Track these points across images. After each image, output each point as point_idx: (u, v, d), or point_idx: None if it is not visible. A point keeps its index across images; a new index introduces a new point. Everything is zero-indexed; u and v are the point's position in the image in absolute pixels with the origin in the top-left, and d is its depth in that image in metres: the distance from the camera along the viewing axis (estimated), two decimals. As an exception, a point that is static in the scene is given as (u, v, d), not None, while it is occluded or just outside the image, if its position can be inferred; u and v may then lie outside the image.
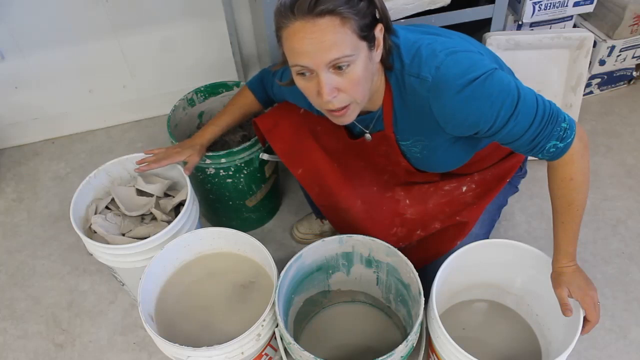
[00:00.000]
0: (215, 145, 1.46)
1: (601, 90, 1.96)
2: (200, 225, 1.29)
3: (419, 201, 1.19)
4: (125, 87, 1.94)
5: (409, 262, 1.04)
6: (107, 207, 1.31)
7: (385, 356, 0.90)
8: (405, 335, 1.08)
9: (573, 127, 0.90)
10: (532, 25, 1.66)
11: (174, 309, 1.15)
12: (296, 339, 1.14)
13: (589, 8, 1.63)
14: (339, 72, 0.84)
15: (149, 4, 1.72)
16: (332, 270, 1.20)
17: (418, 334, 0.99)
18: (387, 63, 0.93)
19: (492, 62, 0.91)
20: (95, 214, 1.27)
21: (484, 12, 1.48)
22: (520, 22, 1.63)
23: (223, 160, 1.32)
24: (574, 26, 1.74)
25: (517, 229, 1.55)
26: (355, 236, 1.09)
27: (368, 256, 1.14)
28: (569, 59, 1.59)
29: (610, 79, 1.93)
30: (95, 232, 1.25)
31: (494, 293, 1.24)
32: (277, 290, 1.02)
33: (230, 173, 1.36)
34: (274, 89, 1.22)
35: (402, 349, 0.93)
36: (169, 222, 1.23)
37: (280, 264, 1.05)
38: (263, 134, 1.20)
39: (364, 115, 1.04)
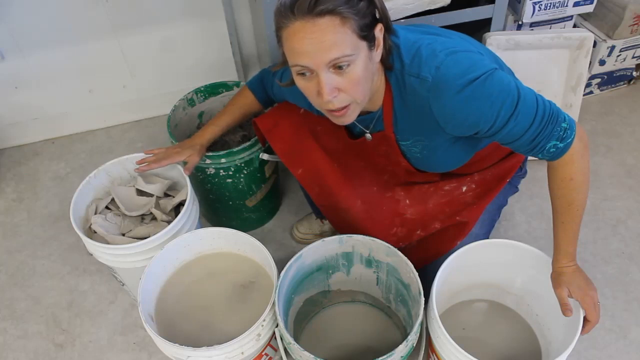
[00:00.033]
0: (215, 145, 1.46)
1: (601, 90, 1.96)
2: (200, 225, 1.29)
3: (419, 201, 1.19)
4: (125, 87, 1.94)
5: (409, 262, 1.04)
6: (107, 207, 1.31)
7: (385, 356, 0.90)
8: (405, 335, 1.08)
9: (573, 127, 0.90)
10: (532, 25, 1.66)
11: (174, 309, 1.15)
12: (296, 339, 1.14)
13: (589, 8, 1.63)
14: (339, 72, 0.84)
15: (149, 4, 1.72)
16: (332, 270, 1.20)
17: (418, 334, 0.99)
18: (387, 63, 0.93)
19: (492, 62, 0.91)
20: (95, 214, 1.27)
21: (484, 12, 1.48)
22: (520, 22, 1.63)
23: (223, 160, 1.32)
24: (574, 26, 1.74)
25: (517, 229, 1.55)
26: (355, 236, 1.09)
27: (368, 256, 1.14)
28: (569, 59, 1.59)
29: (610, 79, 1.93)
30: (95, 232, 1.25)
31: (494, 293, 1.24)
32: (277, 290, 1.02)
33: (230, 173, 1.36)
34: (274, 89, 1.22)
35: (402, 349, 0.93)
36: (169, 222, 1.23)
37: (280, 264, 1.05)
38: (263, 134, 1.20)
39: (364, 116, 1.04)
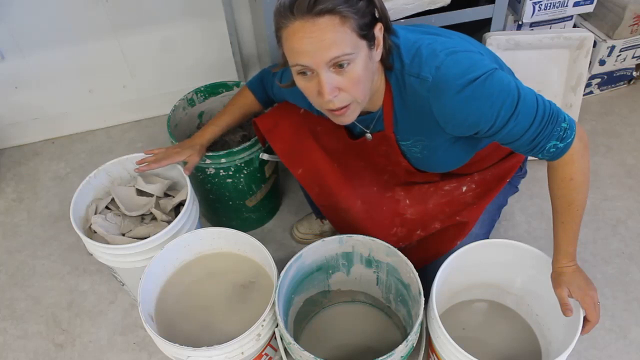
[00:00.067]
0: (215, 145, 1.46)
1: (601, 90, 1.96)
2: (200, 225, 1.29)
3: (419, 201, 1.19)
4: (125, 87, 1.94)
5: (409, 262, 1.04)
6: (107, 207, 1.31)
7: (385, 356, 0.90)
8: (405, 335, 1.08)
9: (573, 127, 0.90)
10: (532, 25, 1.66)
11: (174, 309, 1.15)
12: (296, 339, 1.14)
13: (589, 8, 1.63)
14: (340, 71, 0.84)
15: (149, 4, 1.72)
16: (332, 270, 1.20)
17: (418, 334, 0.99)
18: (387, 63, 0.93)
19: (492, 62, 0.91)
20: (95, 214, 1.27)
21: (484, 12, 1.48)
22: (520, 22, 1.63)
23: (223, 160, 1.32)
24: (574, 26, 1.74)
25: (517, 229, 1.55)
26: (355, 236, 1.09)
27: (368, 256, 1.14)
28: (569, 59, 1.59)
29: (610, 79, 1.93)
30: (95, 232, 1.25)
31: (494, 293, 1.24)
32: (277, 290, 1.02)
33: (230, 173, 1.36)
34: (274, 89, 1.22)
35: (402, 349, 0.93)
36: (169, 222, 1.23)
37: (280, 264, 1.05)
38: (263, 134, 1.20)
39: (364, 116, 1.04)
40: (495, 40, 1.53)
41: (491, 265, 1.16)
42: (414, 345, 0.99)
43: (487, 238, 1.21)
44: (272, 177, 1.50)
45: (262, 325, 1.00)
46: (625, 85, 1.98)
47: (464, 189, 1.19)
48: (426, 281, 1.04)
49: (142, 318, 1.02)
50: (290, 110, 1.19)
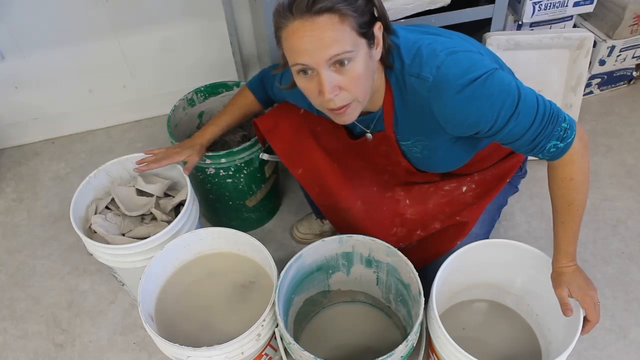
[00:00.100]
0: (215, 145, 1.46)
1: (601, 90, 1.96)
2: (200, 225, 1.29)
3: (419, 201, 1.19)
4: (125, 87, 1.94)
5: (409, 262, 1.04)
6: (107, 207, 1.31)
7: (385, 356, 0.90)
8: (405, 335, 1.08)
9: (573, 127, 0.90)
10: (532, 25, 1.66)
11: (174, 309, 1.15)
12: (296, 339, 1.14)
13: (589, 8, 1.63)
14: (340, 70, 0.84)
15: (149, 4, 1.72)
16: (332, 270, 1.20)
17: (418, 334, 0.99)
18: (387, 62, 0.93)
19: (492, 62, 0.91)
20: (95, 214, 1.27)
21: (484, 12, 1.48)
22: (520, 22, 1.63)
23: (223, 160, 1.32)
24: (574, 26, 1.74)
25: (517, 229, 1.55)
26: (355, 236, 1.09)
27: (368, 256, 1.14)
28: (569, 59, 1.59)
29: (610, 79, 1.93)
30: (95, 232, 1.25)
31: (494, 293, 1.24)
32: (277, 290, 1.02)
33: (230, 173, 1.36)
34: (274, 90, 1.22)
35: (402, 349, 0.93)
36: (169, 222, 1.23)
37: (280, 264, 1.05)
38: (263, 134, 1.20)
39: (364, 116, 1.04)
40: (495, 40, 1.53)
41: (491, 265, 1.16)
42: (414, 345, 0.99)
43: (487, 238, 1.21)
44: (272, 177, 1.50)
45: (262, 325, 1.00)
46: (625, 85, 1.98)
47: (464, 189, 1.19)
48: (426, 281, 1.04)
49: (142, 318, 1.02)
50: (290, 110, 1.19)
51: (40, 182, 1.83)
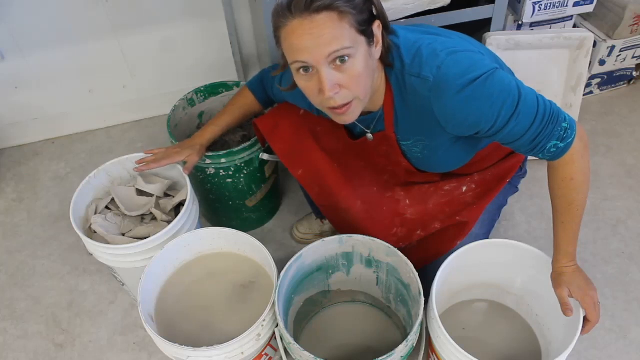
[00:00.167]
0: (215, 145, 1.46)
1: (601, 90, 1.96)
2: (200, 225, 1.29)
3: (419, 201, 1.19)
4: (125, 87, 1.94)
5: (409, 262, 1.04)
6: (107, 207, 1.31)
7: (385, 356, 0.90)
8: (405, 335, 1.08)
9: (574, 127, 0.90)
10: (532, 25, 1.66)
11: (174, 309, 1.15)
12: (296, 339, 1.14)
13: (589, 8, 1.63)
14: (340, 68, 0.84)
15: (149, 4, 1.72)
16: (332, 270, 1.20)
17: (418, 334, 0.99)
18: (387, 60, 0.93)
19: (492, 62, 0.91)
20: (95, 214, 1.27)
21: (484, 12, 1.48)
22: (520, 22, 1.63)
23: (223, 160, 1.32)
24: (574, 26, 1.74)
25: (517, 229, 1.55)
26: (355, 236, 1.09)
27: (368, 256, 1.14)
28: (569, 59, 1.59)
29: (610, 79, 1.93)
30: (95, 232, 1.25)
31: (494, 293, 1.24)
32: (277, 290, 1.02)
33: (230, 173, 1.36)
34: (274, 90, 1.22)
35: (402, 349, 0.93)
36: (169, 222, 1.23)
37: (280, 264, 1.05)
38: (263, 135, 1.20)
39: (364, 116, 1.04)
40: (495, 40, 1.53)
41: (491, 265, 1.16)
42: (414, 345, 0.99)
43: (487, 238, 1.21)
44: (272, 177, 1.50)
45: (262, 325, 1.00)
46: (625, 85, 1.98)
47: (464, 189, 1.19)
48: (426, 281, 1.04)
49: (142, 318, 1.02)
50: (290, 110, 1.19)
51: (40, 182, 1.83)
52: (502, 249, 1.11)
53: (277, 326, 1.02)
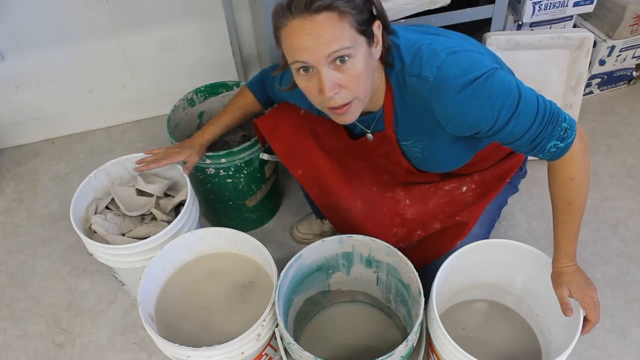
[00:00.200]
0: (215, 145, 1.46)
1: (601, 90, 1.96)
2: (200, 225, 1.29)
3: (419, 201, 1.19)
4: (125, 87, 1.94)
5: (409, 262, 1.04)
6: (107, 207, 1.31)
7: (385, 356, 0.90)
8: (405, 335, 1.08)
9: (574, 127, 0.90)
10: (532, 25, 1.66)
11: (174, 309, 1.15)
12: (296, 339, 1.14)
13: (589, 8, 1.63)
14: (340, 68, 0.84)
15: (149, 4, 1.72)
16: (332, 270, 1.20)
17: (418, 334, 0.99)
18: (387, 60, 0.93)
19: (492, 62, 0.91)
20: (95, 214, 1.27)
21: (484, 12, 1.48)
22: (520, 22, 1.63)
23: (223, 160, 1.32)
24: (574, 26, 1.74)
25: (517, 229, 1.55)
26: (355, 236, 1.09)
27: (368, 256, 1.14)
28: (569, 59, 1.59)
29: (610, 79, 1.93)
30: (95, 232, 1.25)
31: (494, 293, 1.24)
32: (277, 290, 1.02)
33: (230, 173, 1.36)
34: (274, 90, 1.22)
35: (402, 349, 0.93)
36: (169, 222, 1.23)
37: (280, 264, 1.05)
38: (263, 135, 1.20)
39: (364, 116, 1.04)
40: (495, 40, 1.53)
41: (491, 265, 1.16)
42: (414, 345, 0.99)
43: (487, 238, 1.21)
44: (272, 177, 1.50)
45: (262, 325, 1.00)
46: (625, 85, 1.98)
47: (464, 189, 1.19)
48: (426, 281, 1.04)
49: (142, 318, 1.02)
50: (290, 110, 1.19)
51: (40, 182, 1.83)
52: (502, 249, 1.11)
53: (277, 326, 1.02)
